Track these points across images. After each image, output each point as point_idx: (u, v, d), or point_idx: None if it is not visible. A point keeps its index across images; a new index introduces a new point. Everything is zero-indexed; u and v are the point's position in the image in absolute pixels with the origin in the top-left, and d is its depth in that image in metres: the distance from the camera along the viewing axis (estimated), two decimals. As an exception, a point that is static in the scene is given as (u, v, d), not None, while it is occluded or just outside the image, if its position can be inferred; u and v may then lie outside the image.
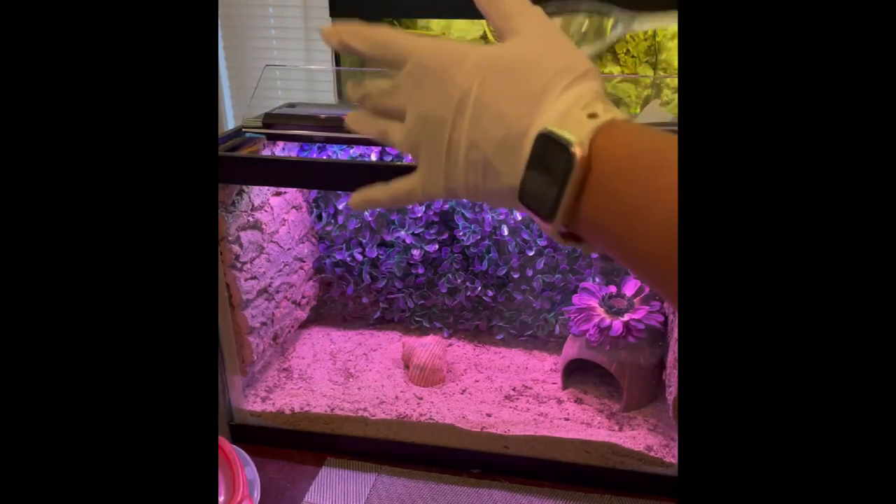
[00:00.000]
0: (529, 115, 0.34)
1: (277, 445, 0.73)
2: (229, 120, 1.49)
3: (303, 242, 0.82)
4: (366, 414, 0.72)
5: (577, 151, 0.31)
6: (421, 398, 0.75)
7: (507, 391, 0.76)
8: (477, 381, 0.78)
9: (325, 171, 0.60)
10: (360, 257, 0.84)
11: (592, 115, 0.33)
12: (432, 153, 0.38)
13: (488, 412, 0.72)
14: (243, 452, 0.68)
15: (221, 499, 0.61)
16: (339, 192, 0.81)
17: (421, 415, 0.72)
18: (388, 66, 0.39)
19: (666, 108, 0.80)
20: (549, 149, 0.33)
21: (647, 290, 0.74)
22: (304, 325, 0.87)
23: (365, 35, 0.39)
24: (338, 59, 1.01)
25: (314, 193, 0.83)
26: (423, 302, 0.85)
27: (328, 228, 0.84)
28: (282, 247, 0.77)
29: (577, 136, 0.32)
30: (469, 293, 0.82)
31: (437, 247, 0.81)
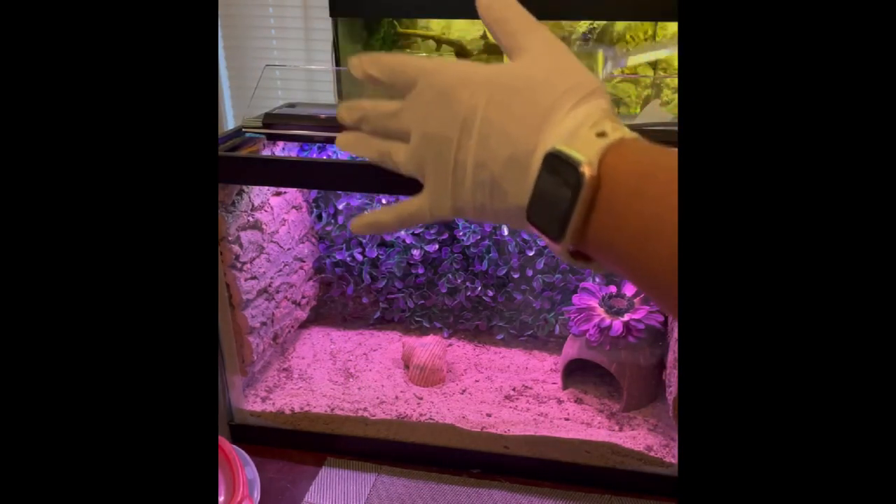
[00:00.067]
0: (537, 133, 0.34)
1: (277, 445, 0.73)
2: (229, 120, 1.49)
3: (303, 242, 0.82)
4: (366, 414, 0.72)
5: (587, 171, 0.31)
6: (421, 398, 0.75)
7: (507, 391, 0.76)
8: (477, 381, 0.78)
9: (325, 171, 0.60)
10: (360, 257, 0.84)
11: (601, 134, 0.32)
12: (439, 173, 0.38)
13: (488, 412, 0.72)
14: (243, 452, 0.68)
15: (221, 499, 0.61)
16: (339, 192, 0.81)
17: (421, 415, 0.72)
18: (400, 90, 0.39)
19: (666, 108, 0.80)
20: (558, 168, 0.32)
21: (647, 290, 0.74)
22: (304, 325, 0.87)
23: (382, 62, 0.40)
24: (338, 59, 1.01)
25: (314, 193, 0.83)
26: (423, 302, 0.85)
27: (328, 228, 0.84)
28: (282, 247, 0.77)
29: (586, 156, 0.31)
30: (469, 293, 0.82)
31: (437, 247, 0.81)
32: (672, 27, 1.00)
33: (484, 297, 0.83)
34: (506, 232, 0.79)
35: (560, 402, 0.75)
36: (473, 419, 0.71)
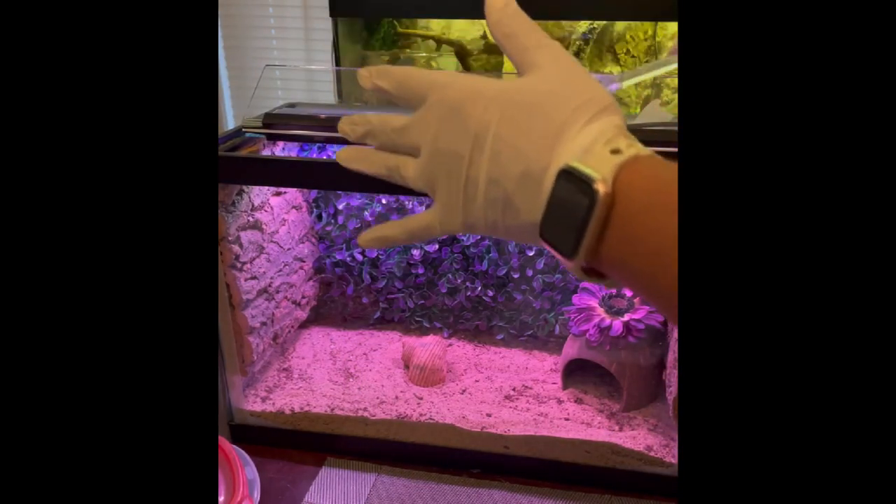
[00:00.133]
0: (550, 150, 0.33)
1: (277, 445, 0.73)
2: (229, 120, 1.49)
3: (303, 242, 0.82)
4: (366, 414, 0.72)
5: (601, 188, 0.31)
6: (421, 398, 0.75)
7: (507, 391, 0.76)
8: (477, 381, 0.78)
9: (325, 171, 0.60)
10: (360, 257, 0.84)
11: (616, 151, 0.32)
12: (450, 189, 0.37)
13: (488, 412, 0.72)
14: (243, 452, 0.68)
15: (221, 499, 0.61)
16: (339, 192, 0.81)
17: (421, 415, 0.72)
18: (410, 104, 0.39)
19: (666, 108, 0.80)
20: (571, 185, 0.32)
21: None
22: (304, 325, 0.87)
23: (392, 75, 0.39)
24: (338, 59, 1.01)
25: (314, 193, 0.83)
26: (423, 302, 0.85)
27: (328, 228, 0.84)
28: (282, 247, 0.77)
29: (599, 173, 0.31)
30: (469, 293, 0.82)
31: (437, 247, 0.81)
32: (672, 27, 1.00)
33: (484, 297, 0.83)
34: (506, 232, 0.79)
35: (560, 402, 0.75)
36: (473, 419, 0.71)
